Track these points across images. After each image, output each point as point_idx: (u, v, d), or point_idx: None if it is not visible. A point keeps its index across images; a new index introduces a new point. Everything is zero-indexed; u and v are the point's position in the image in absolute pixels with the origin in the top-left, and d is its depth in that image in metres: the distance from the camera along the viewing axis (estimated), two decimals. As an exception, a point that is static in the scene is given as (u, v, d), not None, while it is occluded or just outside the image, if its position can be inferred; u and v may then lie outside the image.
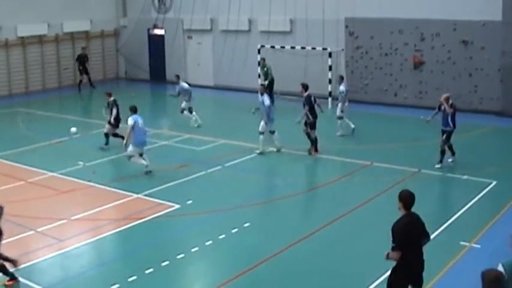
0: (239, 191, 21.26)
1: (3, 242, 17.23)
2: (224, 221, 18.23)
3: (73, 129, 26.30)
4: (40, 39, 40.96)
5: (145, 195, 20.53)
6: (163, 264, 15.48)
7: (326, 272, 15.06)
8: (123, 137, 24.25)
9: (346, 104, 27.60)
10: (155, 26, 42.96)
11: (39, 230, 18.01)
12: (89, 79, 40.92)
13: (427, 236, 11.49)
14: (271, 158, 24.88)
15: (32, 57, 40.65)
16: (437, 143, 22.77)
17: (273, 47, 36.03)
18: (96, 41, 44.22)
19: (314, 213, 19.16)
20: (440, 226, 17.30)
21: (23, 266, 15.67)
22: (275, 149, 25.21)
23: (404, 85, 33.24)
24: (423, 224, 11.40)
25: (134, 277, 14.81)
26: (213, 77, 40.22)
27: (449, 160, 22.74)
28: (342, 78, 27.99)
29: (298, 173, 23.52)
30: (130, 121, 22.77)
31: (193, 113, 29.90)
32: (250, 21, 38.03)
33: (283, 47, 35.80)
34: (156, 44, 43.31)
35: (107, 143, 26.24)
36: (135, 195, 20.56)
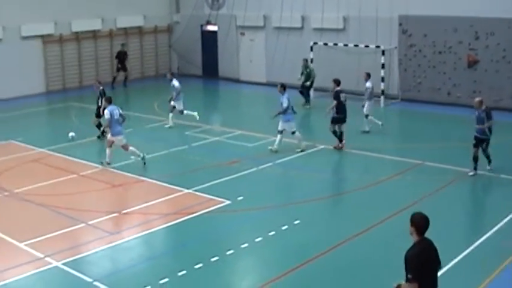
0: (289, 188, 21.22)
1: (55, 234, 17.53)
2: (274, 218, 18.21)
3: (71, 134, 26.55)
4: (94, 35, 41.34)
5: (196, 190, 20.58)
6: (213, 259, 15.51)
7: (374, 271, 14.95)
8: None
9: (372, 101, 27.64)
10: (208, 22, 43.06)
11: (90, 222, 18.16)
12: (126, 77, 41.02)
13: (439, 263, 10.31)
14: (323, 155, 24.79)
15: (86, 52, 41.05)
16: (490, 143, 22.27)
17: (325, 44, 35.91)
18: (149, 36, 44.49)
19: (365, 211, 18.93)
20: (493, 228, 17.07)
21: (73, 257, 15.85)
22: (299, 149, 25.04)
23: (457, 84, 32.86)
24: (436, 250, 10.21)
25: (184, 272, 14.87)
26: (266, 74, 40.20)
27: (488, 168, 21.95)
28: (368, 75, 27.82)
29: (349, 170, 23.42)
30: (107, 114, 23.18)
31: (171, 114, 29.58)
32: (303, 18, 37.95)
33: (336, 45, 35.63)
34: (209, 40, 43.42)
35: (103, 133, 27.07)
36: (186, 190, 20.62)
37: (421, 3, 33.39)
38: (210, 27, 43.17)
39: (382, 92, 33.19)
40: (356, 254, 15.81)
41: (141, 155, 23.47)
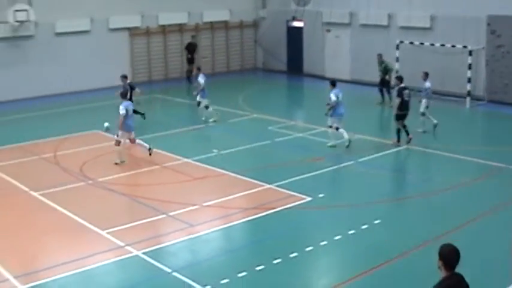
0: (371, 187, 21.00)
1: (136, 223, 17.76)
2: (354, 217, 18.07)
3: (106, 124, 26.50)
4: (180, 28, 41.71)
5: (277, 185, 20.54)
6: (292, 255, 15.47)
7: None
8: (141, 113, 27.74)
9: (431, 100, 27.29)
10: (294, 18, 43.01)
11: (171, 214, 18.33)
12: (191, 71, 40.86)
13: None
14: (404, 155, 24.56)
15: (171, 45, 41.46)
16: None
17: (411, 43, 35.47)
18: (234, 31, 44.67)
19: (446, 213, 18.55)
20: None
21: (153, 247, 16.02)
22: (329, 144, 25.08)
23: (546, 87, 32.13)
24: (468, 287, 9.05)
25: (262, 266, 14.87)
26: (350, 71, 39.94)
27: None
28: (426, 74, 27.36)
29: (432, 171, 23.08)
30: (122, 110, 23.20)
31: (200, 107, 29.63)
32: (389, 16, 37.56)
33: (422, 44, 35.17)
34: (294, 36, 43.35)
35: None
36: (268, 186, 20.62)
37: (510, 3, 32.68)
38: (296, 23, 43.13)
39: (468, 93, 32.60)
40: (435, 258, 15.51)
41: (123, 160, 23.58)
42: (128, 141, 23.83)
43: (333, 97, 24.86)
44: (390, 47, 36.04)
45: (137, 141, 23.81)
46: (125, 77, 27.82)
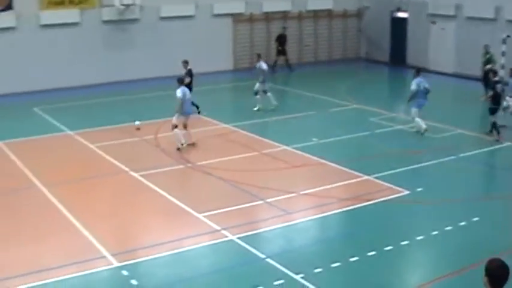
0: (471, 183, 20.67)
1: (232, 208, 17.89)
2: (452, 213, 17.77)
3: (137, 123, 26.25)
4: (284, 15, 41.72)
5: (375, 177, 20.39)
6: (386, 248, 15.35)
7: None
8: (197, 106, 28.13)
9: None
10: (398, 9, 42.50)
11: (268, 200, 18.41)
12: (287, 61, 40.56)
13: None
14: (507, 151, 23.99)
15: (275, 32, 41.37)
16: None
17: (519, 37, 34.63)
18: (338, 20, 44.38)
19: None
20: None
21: (249, 233, 16.11)
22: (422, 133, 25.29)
23: None
24: None
25: (356, 258, 14.81)
26: (454, 64, 39.24)
27: None
28: None
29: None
30: (179, 93, 23.34)
31: (268, 93, 29.50)
32: (496, 9, 36.73)
33: (529, 38, 34.29)
34: (398, 27, 42.80)
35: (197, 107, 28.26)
36: (366, 177, 20.48)
37: None
38: (400, 14, 42.59)
39: None
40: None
41: (183, 142, 23.61)
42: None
43: (413, 85, 25.23)
44: (496, 40, 35.21)
45: (187, 130, 23.83)
46: (186, 62, 27.98)
